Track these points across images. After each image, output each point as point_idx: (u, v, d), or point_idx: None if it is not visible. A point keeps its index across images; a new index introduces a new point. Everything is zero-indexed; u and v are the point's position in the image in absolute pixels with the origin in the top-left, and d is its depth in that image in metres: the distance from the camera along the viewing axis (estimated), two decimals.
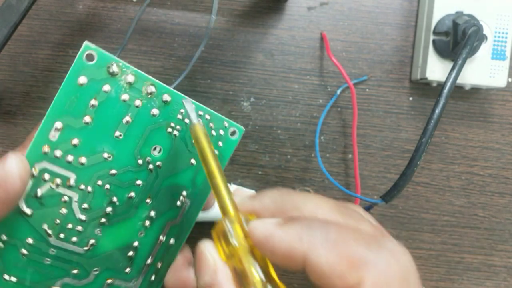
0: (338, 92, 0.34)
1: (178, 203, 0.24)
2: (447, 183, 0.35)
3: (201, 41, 0.34)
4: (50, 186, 0.21)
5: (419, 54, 0.33)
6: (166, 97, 0.23)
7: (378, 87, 0.34)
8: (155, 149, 0.23)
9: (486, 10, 0.32)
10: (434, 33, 0.32)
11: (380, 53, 0.34)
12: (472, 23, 0.30)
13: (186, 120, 0.23)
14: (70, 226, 0.22)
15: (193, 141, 0.22)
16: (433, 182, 0.35)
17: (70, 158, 0.21)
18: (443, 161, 0.35)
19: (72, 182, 0.22)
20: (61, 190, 0.22)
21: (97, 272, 0.23)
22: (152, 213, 0.24)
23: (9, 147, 0.33)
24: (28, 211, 0.21)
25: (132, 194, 0.23)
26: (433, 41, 0.32)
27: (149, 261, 0.24)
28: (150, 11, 0.34)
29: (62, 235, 0.22)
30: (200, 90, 0.34)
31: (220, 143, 0.24)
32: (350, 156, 0.34)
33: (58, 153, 0.21)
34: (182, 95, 0.23)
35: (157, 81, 0.22)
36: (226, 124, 0.24)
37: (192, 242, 0.23)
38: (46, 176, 0.21)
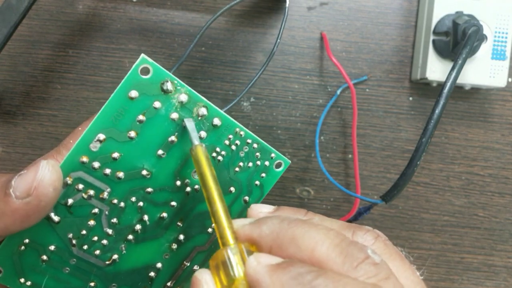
0: (338, 92, 0.34)
1: (210, 230, 0.23)
2: (447, 183, 0.35)
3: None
4: (82, 196, 0.21)
5: (419, 54, 0.33)
6: (217, 121, 0.22)
7: (378, 87, 0.34)
8: (195, 172, 0.22)
9: (486, 10, 0.32)
10: (434, 33, 0.32)
11: (380, 53, 0.34)
12: (472, 23, 0.30)
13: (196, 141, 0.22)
14: (95, 238, 0.21)
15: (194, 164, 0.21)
16: (433, 182, 0.35)
17: (107, 171, 0.21)
18: (443, 161, 0.35)
19: (105, 195, 0.21)
20: (93, 201, 0.21)
21: None
22: (181, 237, 0.23)
23: (9, 147, 0.33)
24: (56, 218, 0.21)
25: (164, 214, 0.22)
26: (433, 41, 0.32)
27: (169, 283, 0.23)
28: (150, 11, 0.34)
29: (85, 247, 0.21)
30: (200, 90, 0.34)
31: (263, 174, 0.24)
32: (350, 156, 0.34)
33: (96, 164, 0.20)
34: (234, 120, 0.22)
35: (210, 103, 0.21)
36: (273, 155, 0.24)
37: None
38: (80, 186, 0.21)
